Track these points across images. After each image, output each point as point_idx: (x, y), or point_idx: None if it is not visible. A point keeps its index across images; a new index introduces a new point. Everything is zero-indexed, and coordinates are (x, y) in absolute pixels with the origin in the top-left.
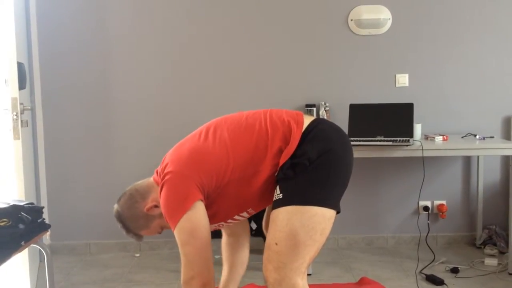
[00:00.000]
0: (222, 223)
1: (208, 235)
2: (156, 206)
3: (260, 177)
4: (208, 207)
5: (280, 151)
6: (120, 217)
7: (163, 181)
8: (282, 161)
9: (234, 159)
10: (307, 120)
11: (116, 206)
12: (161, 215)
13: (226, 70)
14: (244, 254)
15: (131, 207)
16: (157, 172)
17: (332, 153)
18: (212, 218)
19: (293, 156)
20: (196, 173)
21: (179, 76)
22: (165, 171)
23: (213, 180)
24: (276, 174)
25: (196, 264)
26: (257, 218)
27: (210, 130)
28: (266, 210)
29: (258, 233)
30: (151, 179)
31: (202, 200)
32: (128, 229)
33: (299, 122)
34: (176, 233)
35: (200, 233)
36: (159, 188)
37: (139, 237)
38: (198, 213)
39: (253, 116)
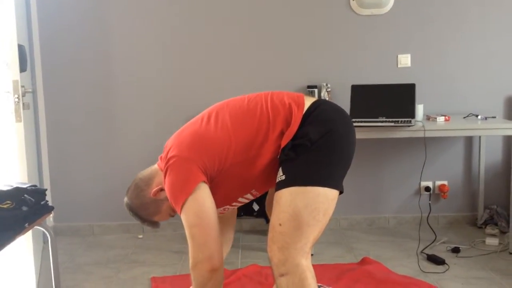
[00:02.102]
0: (228, 206)
1: (215, 216)
2: (162, 189)
3: (262, 159)
4: (213, 191)
5: (282, 134)
6: (131, 208)
7: (166, 166)
8: (283, 143)
9: (236, 142)
10: (308, 101)
11: (125, 199)
12: (167, 199)
13: (227, 52)
14: (230, 235)
15: (138, 195)
16: (160, 159)
17: (333, 133)
18: (218, 202)
19: (294, 137)
20: (198, 156)
21: (180, 58)
22: (168, 156)
23: (215, 163)
24: (278, 156)
25: (204, 246)
26: (259, 199)
27: (212, 115)
28: (269, 191)
29: (260, 214)
30: (155, 165)
31: (205, 182)
32: (142, 218)
33: (300, 104)
34: (182, 216)
35: (206, 214)
36: (163, 173)
37: (154, 224)
38: (203, 194)
39: (255, 99)
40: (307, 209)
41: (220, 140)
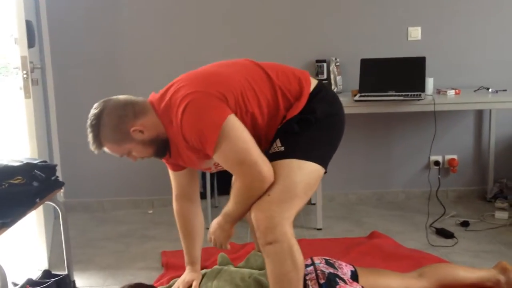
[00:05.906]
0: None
1: (253, 142)
2: (141, 132)
3: (279, 115)
4: None
5: (290, 105)
6: (99, 118)
7: (183, 105)
8: (289, 115)
9: (259, 89)
10: (314, 81)
11: (101, 105)
12: (138, 142)
13: (235, 23)
14: (200, 220)
15: (119, 117)
16: (159, 99)
17: (338, 116)
18: None
19: (301, 112)
20: (216, 89)
21: (188, 29)
22: (182, 94)
23: (237, 102)
24: (279, 126)
25: (252, 166)
26: None
27: (221, 63)
28: None
29: None
30: (147, 101)
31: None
32: (97, 134)
33: (307, 80)
34: (218, 156)
35: (246, 146)
36: (154, 112)
37: (99, 147)
38: (235, 128)
39: (263, 64)
40: (301, 183)
41: (239, 83)
